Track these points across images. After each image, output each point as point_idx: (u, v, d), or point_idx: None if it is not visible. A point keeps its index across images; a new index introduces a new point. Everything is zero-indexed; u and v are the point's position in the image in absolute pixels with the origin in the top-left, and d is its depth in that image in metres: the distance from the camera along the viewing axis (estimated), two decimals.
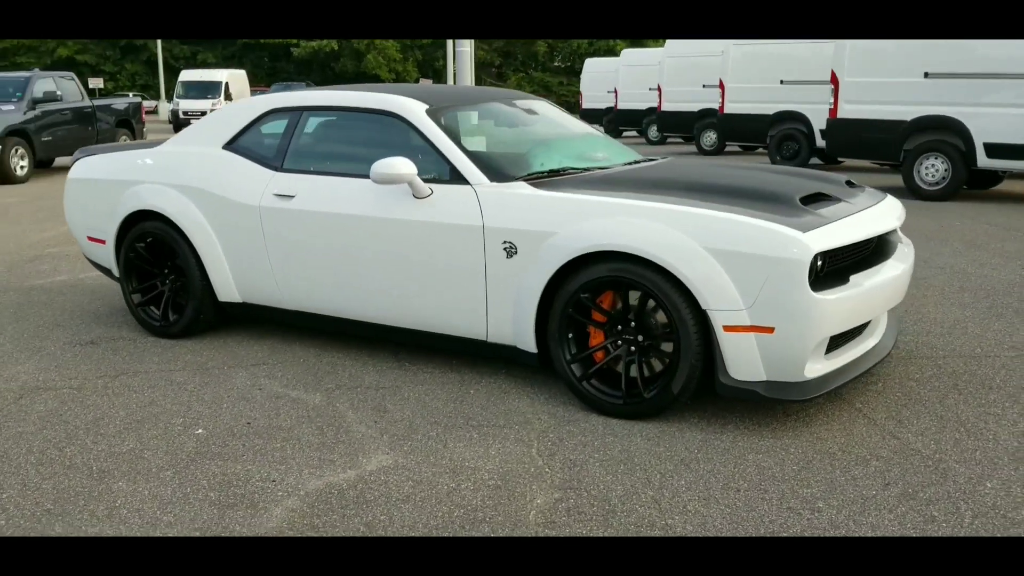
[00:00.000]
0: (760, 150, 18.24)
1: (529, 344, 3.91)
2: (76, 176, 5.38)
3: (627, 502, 2.99)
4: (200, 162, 4.82)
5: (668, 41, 20.19)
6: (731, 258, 3.37)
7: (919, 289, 5.92)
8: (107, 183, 5.17)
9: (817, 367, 3.51)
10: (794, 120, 14.93)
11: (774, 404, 3.75)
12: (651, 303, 3.63)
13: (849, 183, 4.29)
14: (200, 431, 3.66)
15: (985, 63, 9.88)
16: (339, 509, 2.96)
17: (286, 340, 4.92)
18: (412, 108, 4.29)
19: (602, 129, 26.99)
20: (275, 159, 4.61)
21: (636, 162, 4.69)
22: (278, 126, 4.72)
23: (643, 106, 23.18)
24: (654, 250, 3.46)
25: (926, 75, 10.27)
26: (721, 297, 3.39)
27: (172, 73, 45.40)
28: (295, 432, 3.63)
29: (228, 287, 4.78)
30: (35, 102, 14.73)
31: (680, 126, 19.94)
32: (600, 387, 3.76)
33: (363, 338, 4.87)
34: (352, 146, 4.45)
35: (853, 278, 3.57)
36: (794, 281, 3.30)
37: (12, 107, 14.36)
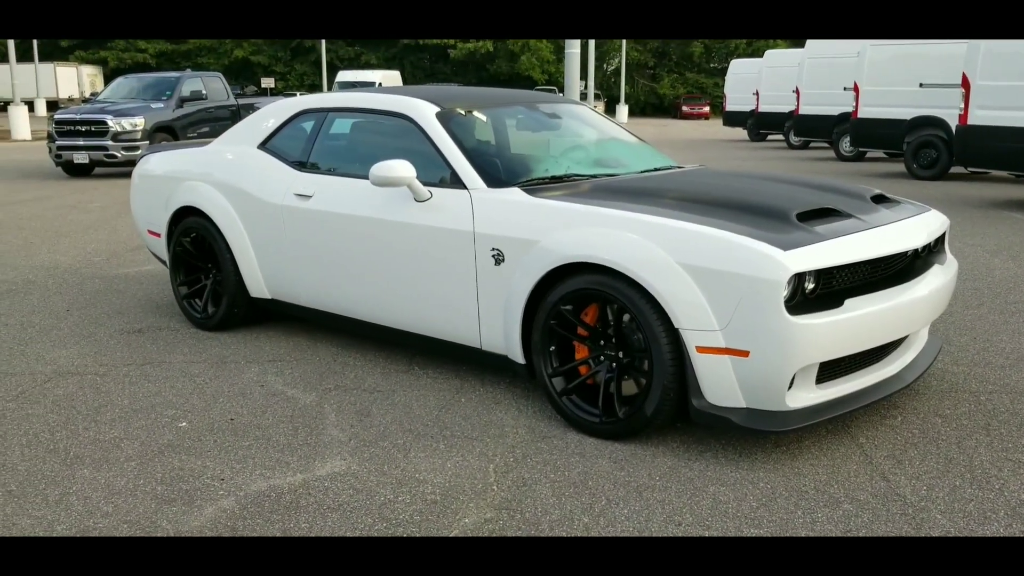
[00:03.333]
0: (901, 158, 17.14)
1: (517, 355, 3.80)
2: (141, 172, 5.66)
3: (556, 528, 2.84)
4: (237, 161, 4.96)
5: (809, 41, 19.30)
6: (705, 275, 3.15)
7: (1002, 315, 5.37)
8: (163, 179, 5.41)
9: (803, 396, 3.23)
10: (933, 126, 13.92)
11: (760, 434, 3.48)
12: (631, 319, 3.44)
13: (878, 197, 3.93)
14: (184, 424, 3.75)
15: None
16: (267, 513, 2.96)
17: (312, 338, 5.00)
18: (422, 110, 4.25)
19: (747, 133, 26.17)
20: (299, 159, 4.69)
21: (656, 169, 4.47)
22: (308, 127, 4.79)
23: (785, 109, 22.24)
24: (627, 263, 3.28)
25: None
26: (694, 316, 3.17)
27: (336, 73, 47.41)
28: (270, 431, 3.66)
29: (257, 283, 4.90)
30: (183, 100, 15.68)
31: (819, 130, 19.02)
32: (579, 403, 3.60)
33: (382, 340, 4.88)
34: (366, 147, 4.47)
35: (850, 301, 3.26)
36: (769, 302, 3.04)
37: (162, 104, 15.34)
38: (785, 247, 3.11)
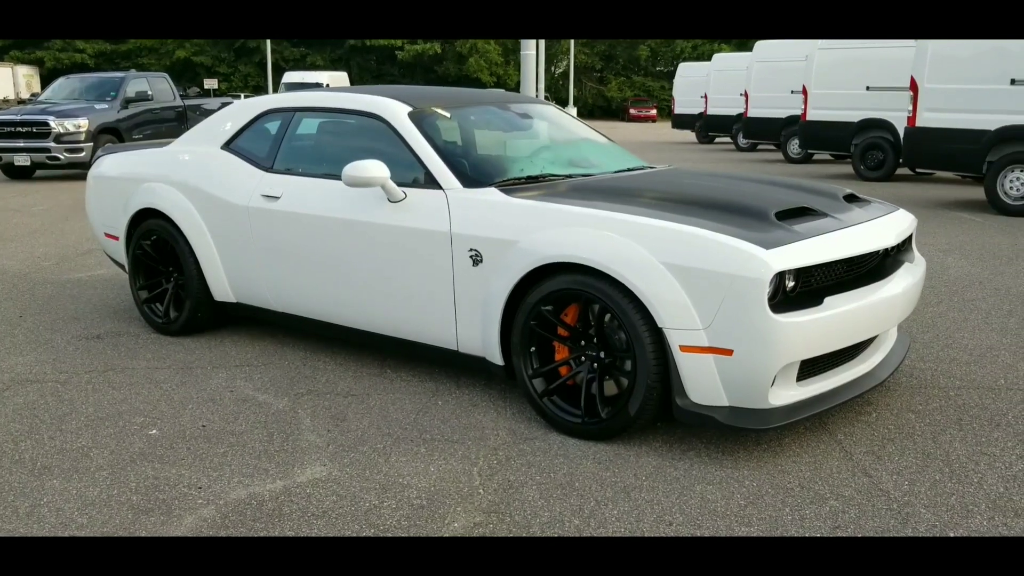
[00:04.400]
0: (848, 160, 17.48)
1: (496, 356, 3.76)
2: (96, 173, 5.50)
3: (548, 529, 2.82)
4: (199, 161, 4.84)
5: (757, 44, 19.60)
6: (688, 274, 3.15)
7: (961, 311, 5.49)
8: (120, 181, 5.26)
9: (785, 394, 3.25)
10: (880, 128, 14.22)
11: (744, 433, 3.50)
12: (613, 319, 3.44)
13: (849, 197, 3.99)
14: (154, 432, 3.65)
15: None
16: (250, 522, 2.88)
17: (279, 342, 4.90)
18: (394, 110, 4.20)
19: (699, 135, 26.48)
20: (266, 160, 4.59)
21: (630, 170, 4.48)
22: (274, 127, 4.70)
23: (733, 112, 22.57)
24: (610, 262, 3.27)
25: (1013, 82, 9.60)
26: (677, 315, 3.17)
27: (281, 74, 46.75)
28: (244, 438, 3.58)
29: (222, 286, 4.79)
30: (128, 101, 15.32)
31: (767, 133, 19.31)
32: (561, 404, 3.58)
33: (353, 343, 4.81)
34: (336, 148, 4.39)
35: (829, 300, 3.29)
36: (752, 301, 3.05)
37: (106, 105, 14.97)
38: (767, 245, 3.13)
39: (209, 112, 17.80)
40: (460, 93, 4.75)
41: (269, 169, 4.55)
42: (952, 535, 2.74)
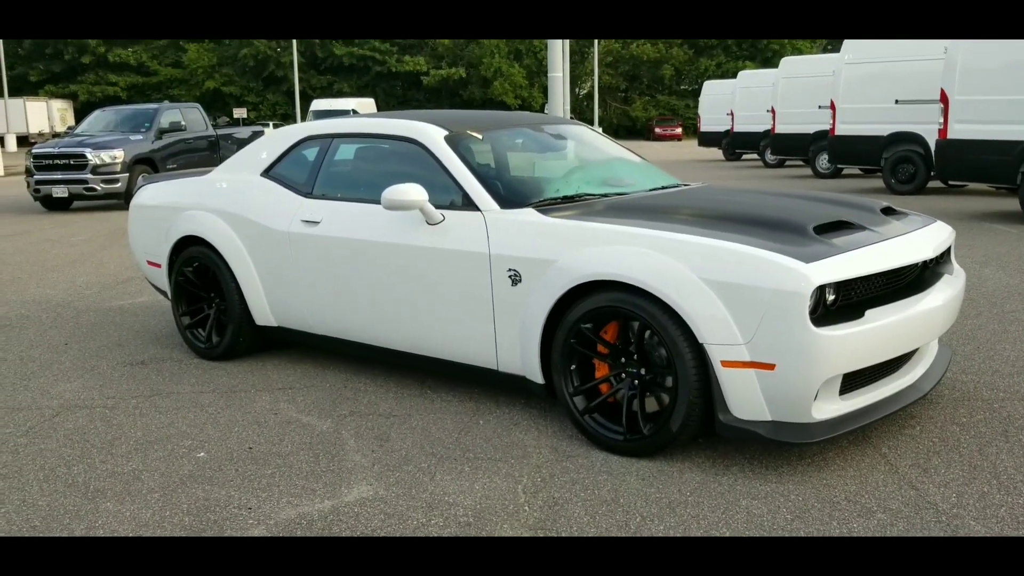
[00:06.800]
0: (879, 174, 17.37)
1: (536, 375, 3.79)
2: (138, 202, 5.62)
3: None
4: (240, 189, 4.94)
5: (783, 60, 19.60)
6: (729, 290, 3.17)
7: (1001, 323, 5.45)
8: (162, 209, 5.38)
9: (828, 408, 3.25)
10: (910, 141, 14.14)
11: (787, 447, 3.50)
12: (653, 336, 3.46)
13: (887, 210, 3.99)
14: (202, 454, 3.71)
15: None
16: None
17: (320, 365, 4.97)
18: (431, 134, 4.26)
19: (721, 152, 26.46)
20: (305, 186, 4.68)
21: (664, 188, 4.51)
22: (312, 153, 4.79)
23: (760, 128, 22.54)
24: (649, 280, 3.30)
25: None
26: (718, 330, 3.19)
27: (308, 102, 47.37)
28: (290, 459, 3.63)
29: (264, 311, 4.87)
30: (161, 132, 15.59)
31: (795, 149, 19.27)
32: (602, 422, 3.60)
33: (393, 365, 4.86)
34: (375, 173, 4.47)
35: (870, 312, 3.29)
36: (794, 315, 3.07)
37: (140, 137, 15.25)
38: (807, 259, 3.14)
39: (240, 141, 18.08)
40: (494, 116, 4.82)
41: (308, 195, 4.64)
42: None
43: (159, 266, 5.49)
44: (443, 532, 2.96)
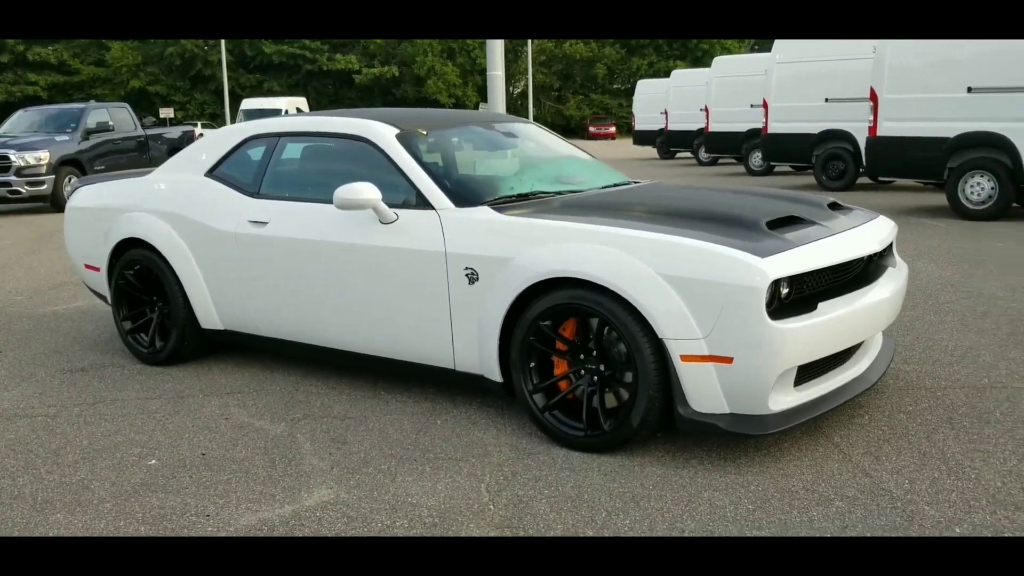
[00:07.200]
0: (809, 171, 17.79)
1: (494, 373, 3.78)
2: (74, 204, 5.45)
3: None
4: (183, 189, 4.83)
5: (715, 60, 19.93)
6: (687, 285, 3.21)
7: (937, 314, 5.62)
8: (100, 211, 5.22)
9: (784, 399, 3.31)
10: (839, 139, 14.51)
11: (744, 439, 3.56)
12: (612, 331, 3.48)
13: (833, 205, 4.08)
14: (153, 462, 3.61)
15: None
16: None
17: (268, 368, 4.88)
18: (382, 132, 4.22)
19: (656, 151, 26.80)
20: (252, 186, 4.59)
21: (615, 185, 4.55)
22: (258, 153, 4.70)
23: (693, 127, 22.89)
24: (609, 276, 3.32)
25: (969, 90, 9.87)
26: (677, 325, 3.22)
27: (238, 101, 46.47)
28: (246, 464, 3.56)
29: (209, 314, 4.76)
30: (88, 132, 15.16)
31: (728, 147, 19.61)
32: (562, 419, 3.61)
33: (344, 367, 4.80)
34: (324, 172, 4.41)
35: (822, 305, 3.36)
36: (751, 309, 3.12)
37: (67, 137, 14.80)
38: (762, 254, 3.20)
39: (171, 141, 17.69)
40: (445, 114, 4.80)
41: (255, 195, 4.55)
42: (958, 531, 2.81)
43: (98, 270, 5.32)
44: (409, 533, 2.93)
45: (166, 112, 40.29)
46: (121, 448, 3.77)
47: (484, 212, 3.82)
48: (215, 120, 54.72)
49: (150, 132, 17.20)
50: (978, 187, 10.05)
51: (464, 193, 3.99)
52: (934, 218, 10.55)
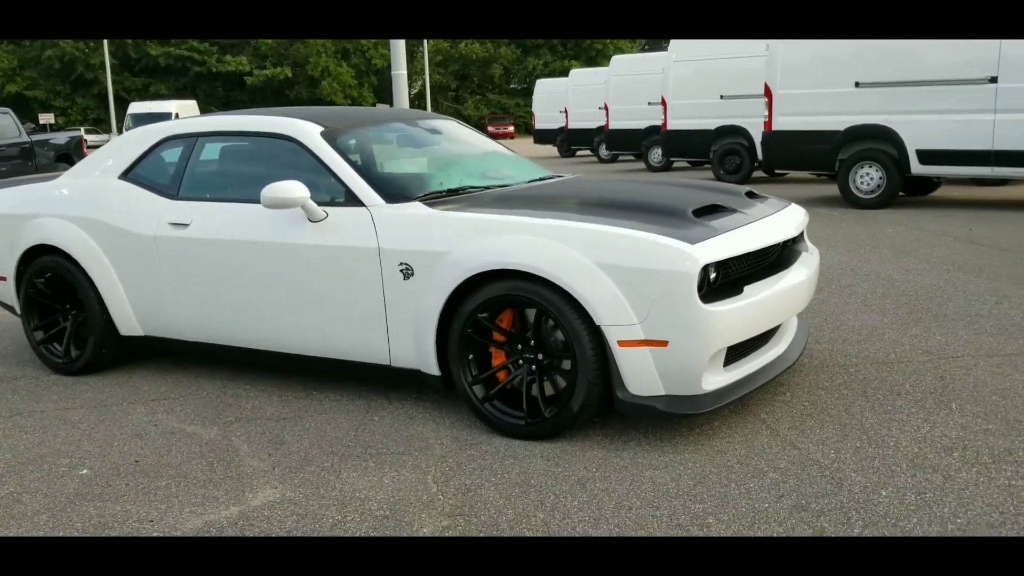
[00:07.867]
0: (707, 165, 18.34)
1: (432, 367, 3.82)
2: None
3: (516, 526, 2.90)
4: (96, 193, 4.69)
5: (613, 59, 20.33)
6: (622, 272, 3.31)
7: (841, 297, 5.92)
8: (5, 218, 5.02)
9: (715, 379, 3.45)
10: (735, 134, 15.03)
11: (678, 419, 3.69)
12: (549, 321, 3.56)
13: (750, 194, 4.27)
14: (85, 471, 3.51)
15: (914, 71, 10.01)
16: None
17: (192, 373, 4.79)
18: (307, 130, 4.20)
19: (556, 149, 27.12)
20: (170, 187, 4.50)
21: (541, 179, 4.64)
22: (175, 154, 4.60)
23: (593, 125, 23.28)
24: (546, 267, 3.39)
25: (857, 84, 10.38)
26: (614, 312, 3.33)
27: (124, 106, 44.88)
28: (183, 469, 3.50)
29: (128, 320, 4.64)
30: None
31: (628, 144, 20.01)
32: (502, 408, 3.67)
33: (272, 368, 4.75)
34: (246, 171, 4.35)
35: (748, 288, 3.52)
36: (684, 293, 3.24)
37: None
38: (692, 241, 3.33)
39: (58, 147, 16.99)
40: (368, 111, 4.79)
41: (175, 196, 4.46)
42: (884, 494, 2.99)
43: (4, 279, 5.11)
44: (361, 527, 2.94)
45: (46, 118, 38.63)
46: (48, 459, 3.65)
47: (416, 207, 3.85)
48: (99, 125, 52.68)
49: (36, 138, 16.47)
50: (867, 177, 10.57)
51: (394, 189, 4.01)
52: (827, 207, 11.05)
